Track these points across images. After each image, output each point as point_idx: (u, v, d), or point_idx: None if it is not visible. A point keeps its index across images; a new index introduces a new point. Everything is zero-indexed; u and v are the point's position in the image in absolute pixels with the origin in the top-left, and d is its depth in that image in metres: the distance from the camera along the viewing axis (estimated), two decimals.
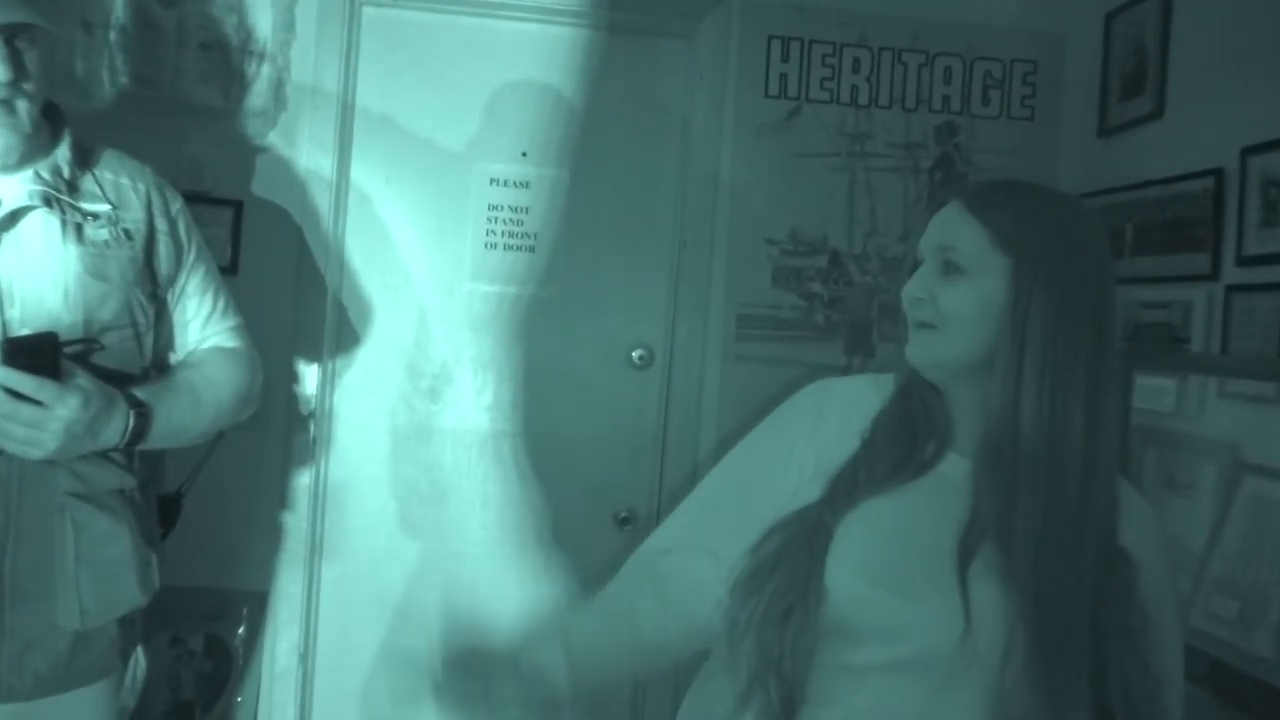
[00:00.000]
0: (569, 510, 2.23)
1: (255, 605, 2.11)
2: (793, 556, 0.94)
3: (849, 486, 0.96)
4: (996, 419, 0.91)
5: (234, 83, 2.09)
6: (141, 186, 1.34)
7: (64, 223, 1.20)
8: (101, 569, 1.21)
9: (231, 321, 1.46)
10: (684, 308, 2.22)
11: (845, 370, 2.22)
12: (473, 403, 2.22)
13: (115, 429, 1.16)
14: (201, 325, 1.41)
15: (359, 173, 2.19)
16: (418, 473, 2.22)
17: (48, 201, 1.19)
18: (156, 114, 2.06)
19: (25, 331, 1.13)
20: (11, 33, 1.11)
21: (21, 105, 1.15)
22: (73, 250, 1.20)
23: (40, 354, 1.08)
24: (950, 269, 0.93)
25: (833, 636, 0.93)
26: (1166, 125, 1.94)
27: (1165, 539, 1.03)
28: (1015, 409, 0.89)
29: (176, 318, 1.38)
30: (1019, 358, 0.89)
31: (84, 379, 1.12)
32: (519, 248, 2.22)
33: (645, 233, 2.25)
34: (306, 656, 2.16)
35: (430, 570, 2.21)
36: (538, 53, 2.21)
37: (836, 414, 1.03)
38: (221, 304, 1.44)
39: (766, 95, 2.23)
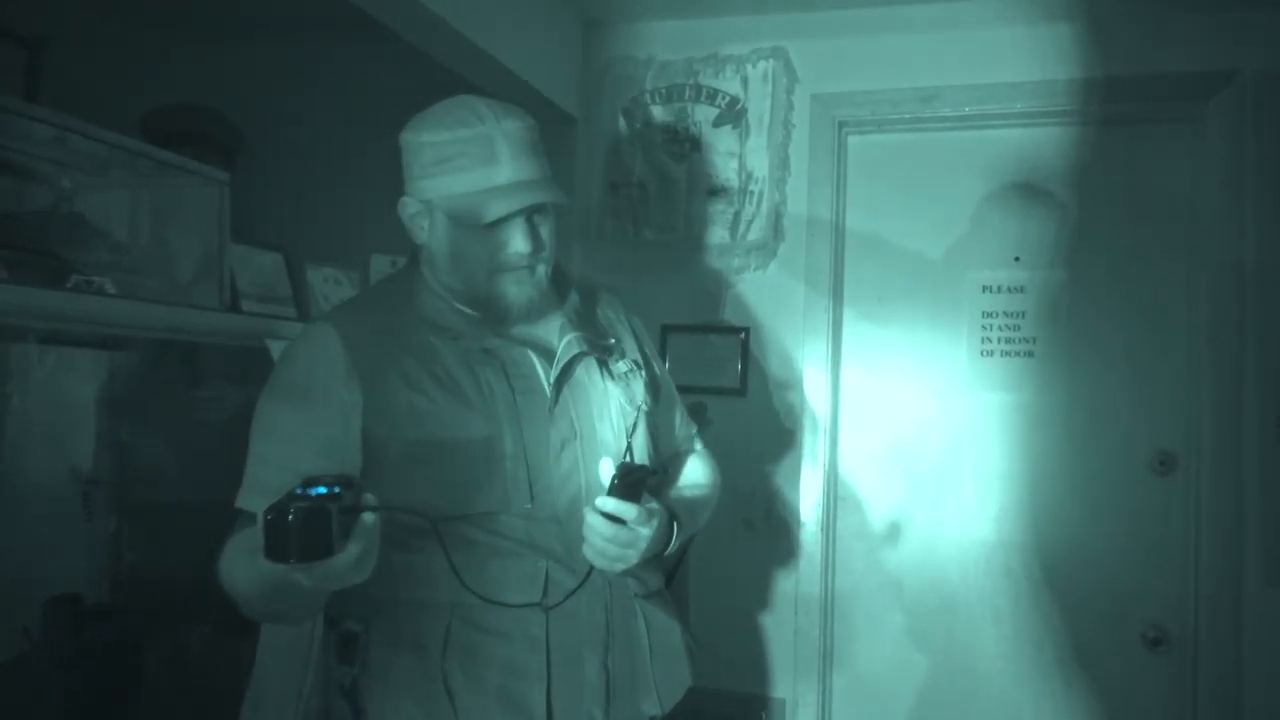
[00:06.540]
0: (1089, 628, 2.10)
1: (774, 710, 2.20)
2: None
3: None
4: None
5: (738, 220, 2.29)
6: (624, 317, 1.52)
7: (599, 363, 1.38)
8: (666, 658, 1.37)
9: (694, 428, 1.61)
10: (1210, 407, 2.04)
11: None
12: (977, 513, 2.19)
13: (662, 539, 1.32)
14: (676, 429, 1.57)
15: (853, 292, 2.29)
16: (923, 584, 2.21)
17: (587, 346, 1.37)
18: (673, 255, 2.32)
19: (604, 459, 1.29)
20: (532, 211, 1.29)
21: (539, 270, 1.33)
22: (610, 385, 1.38)
23: (637, 484, 1.23)
24: None
25: None
26: None
27: None
28: None
29: (663, 424, 1.52)
30: None
31: (651, 501, 1.27)
32: (1017, 353, 2.18)
33: (1156, 329, 2.11)
34: None
35: (940, 685, 2.18)
36: (1024, 156, 2.20)
37: None
38: (684, 410, 1.60)
39: None
